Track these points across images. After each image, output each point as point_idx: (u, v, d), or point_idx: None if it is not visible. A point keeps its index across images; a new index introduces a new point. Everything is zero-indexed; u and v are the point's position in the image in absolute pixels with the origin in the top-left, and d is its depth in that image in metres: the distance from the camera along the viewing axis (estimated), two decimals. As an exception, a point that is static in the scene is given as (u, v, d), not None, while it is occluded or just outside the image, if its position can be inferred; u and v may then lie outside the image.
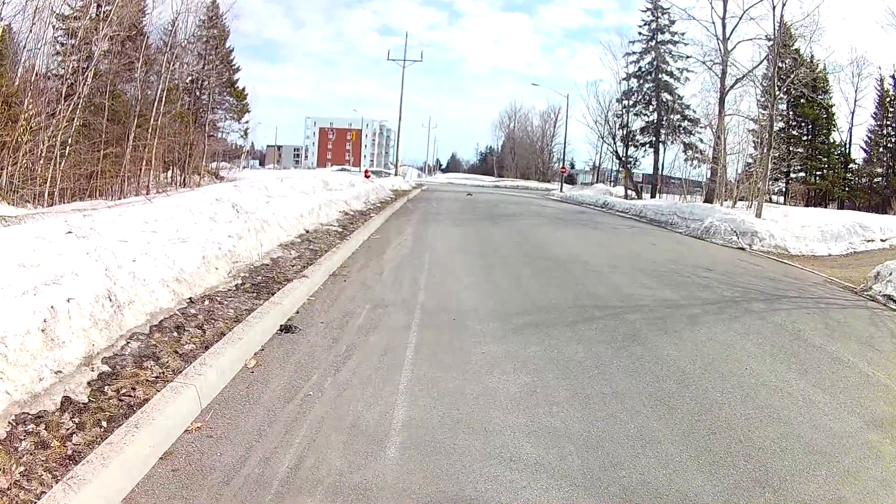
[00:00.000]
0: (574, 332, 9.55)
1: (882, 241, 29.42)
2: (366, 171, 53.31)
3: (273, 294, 9.50)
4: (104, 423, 5.16)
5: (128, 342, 6.68)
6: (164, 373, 6.16)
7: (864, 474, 5.86)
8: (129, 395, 5.63)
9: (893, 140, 63.55)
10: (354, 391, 6.66)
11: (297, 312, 9.46)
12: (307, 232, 15.54)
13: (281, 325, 8.62)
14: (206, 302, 8.62)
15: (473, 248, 18.00)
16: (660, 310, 11.68)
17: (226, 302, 8.81)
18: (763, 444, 6.25)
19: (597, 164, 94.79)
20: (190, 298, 8.56)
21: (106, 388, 5.72)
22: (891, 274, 16.14)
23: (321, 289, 11.15)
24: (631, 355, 8.69)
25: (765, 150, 36.89)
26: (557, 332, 9.51)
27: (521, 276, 13.90)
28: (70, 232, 7.55)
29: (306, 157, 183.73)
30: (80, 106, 25.11)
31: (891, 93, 63.37)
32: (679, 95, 67.24)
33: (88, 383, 5.74)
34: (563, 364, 8.06)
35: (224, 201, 12.45)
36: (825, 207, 55.66)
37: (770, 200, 41.97)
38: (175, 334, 7.22)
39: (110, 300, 6.89)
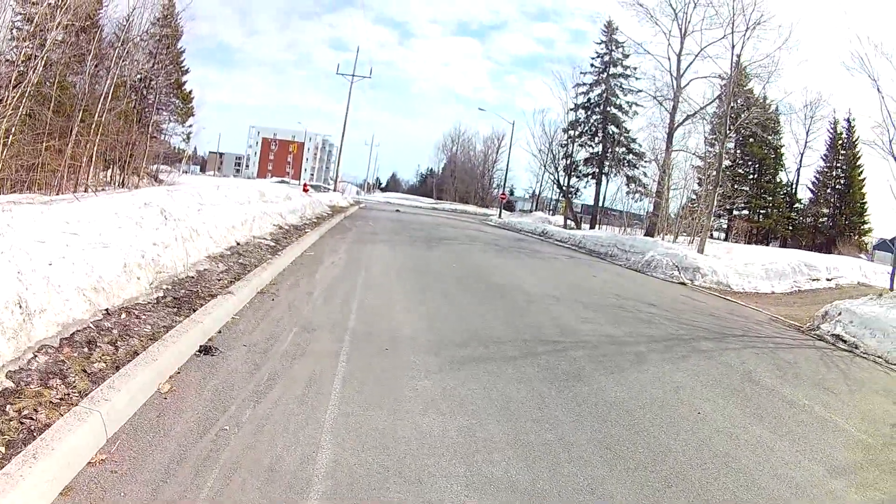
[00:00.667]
0: (515, 370, 9.09)
1: (828, 279, 30.33)
2: (304, 185, 52.57)
3: (195, 311, 8.84)
4: (2, 449, 4.59)
5: (35, 355, 6.03)
6: (69, 394, 5.54)
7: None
8: (31, 418, 5.02)
9: (842, 182, 67.11)
10: (275, 427, 6.05)
11: (220, 332, 8.81)
12: (238, 244, 14.84)
13: (200, 346, 7.98)
14: (123, 315, 7.93)
15: (410, 272, 17.45)
16: (604, 346, 11.36)
17: (143, 316, 8.12)
18: (723, 497, 5.98)
19: (536, 193, 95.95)
20: (107, 310, 7.86)
21: (7, 407, 5.12)
22: (840, 314, 16.56)
23: (247, 307, 10.50)
24: (576, 397, 8.28)
25: (711, 187, 37.40)
26: (497, 368, 9.05)
27: (461, 304, 13.40)
28: (-18, 229, 6.92)
29: (247, 166, 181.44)
30: (27, 94, 24.30)
31: (843, 136, 66.97)
32: (626, 129, 69.06)
33: (-10, 400, 5.13)
34: (503, 405, 7.60)
35: (153, 206, 11.69)
36: (767, 245, 58.61)
37: (711, 236, 42.21)
38: (86, 350, 6.56)
39: (20, 307, 6.22)
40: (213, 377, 7.13)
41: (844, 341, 15.39)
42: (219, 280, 11.09)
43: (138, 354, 6.77)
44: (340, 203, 46.24)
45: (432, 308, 12.60)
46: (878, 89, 23.27)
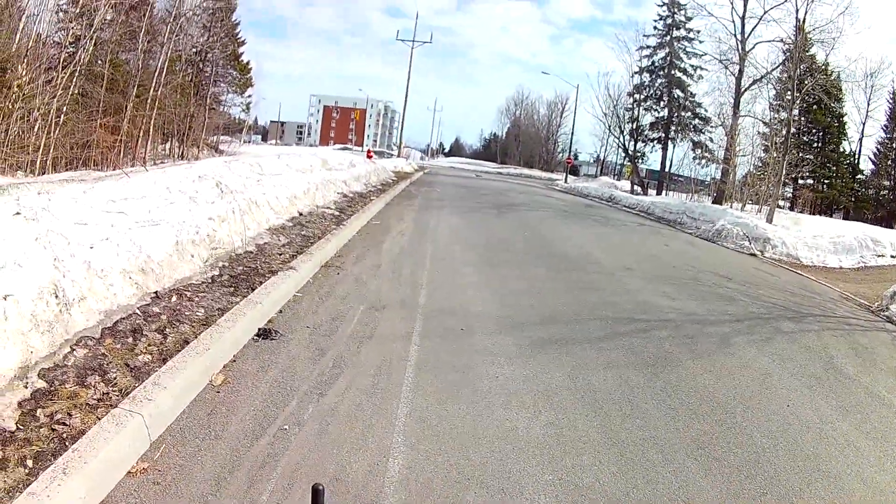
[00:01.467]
0: (600, 353, 8.32)
1: (892, 256, 28.63)
2: (368, 152, 51.68)
3: (253, 290, 8.22)
4: (29, 463, 4.00)
5: (73, 349, 5.41)
6: (108, 393, 4.92)
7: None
8: (64, 424, 4.43)
9: None
10: (340, 427, 5.36)
11: (281, 312, 8.20)
12: (301, 215, 14.26)
13: (259, 329, 7.35)
14: (174, 298, 7.35)
15: (479, 241, 16.69)
16: (687, 326, 10.52)
17: (197, 298, 7.54)
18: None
19: (601, 157, 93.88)
20: (156, 293, 7.29)
21: (38, 411, 4.54)
22: None
23: (310, 283, 9.86)
24: (666, 386, 7.52)
25: (778, 155, 35.88)
26: (581, 351, 8.27)
27: (533, 277, 12.63)
28: (18, 213, 6.22)
29: (309, 134, 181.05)
30: (77, 73, 24.00)
31: None
32: (691, 93, 66.23)
33: (19, 404, 4.57)
34: (591, 396, 6.85)
35: (208, 178, 11.05)
36: (830, 216, 55.79)
37: (777, 206, 40.95)
38: (130, 340, 5.94)
39: (56, 296, 5.62)
40: (272, 366, 6.49)
41: None
42: (280, 254, 10.48)
43: (188, 343, 6.15)
44: (405, 169, 45.70)
45: (506, 283, 11.83)
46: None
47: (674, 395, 7.28)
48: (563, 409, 6.39)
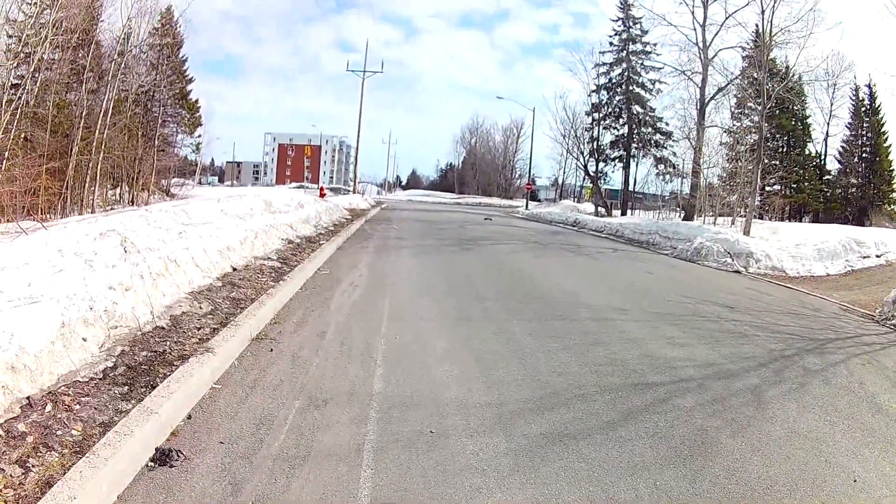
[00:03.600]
0: (621, 449, 6.38)
1: (877, 256, 28.22)
2: (321, 189, 50.10)
3: (154, 387, 6.19)
4: None
5: None
6: None
7: None
8: None
9: (868, 150, 65.31)
10: None
11: (189, 418, 6.21)
12: (234, 270, 12.28)
13: (156, 450, 5.39)
14: (49, 407, 5.43)
15: (444, 289, 14.76)
16: (711, 385, 8.81)
17: (78, 406, 5.57)
18: None
19: (560, 180, 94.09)
20: (28, 398, 5.44)
21: None
22: None
23: (234, 367, 7.82)
24: (714, 485, 5.77)
25: (748, 164, 35.96)
26: (596, 451, 6.31)
27: (514, 335, 10.65)
28: None
29: (265, 173, 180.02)
30: (20, 115, 22.80)
31: (866, 102, 64.98)
32: (651, 108, 66.50)
33: None
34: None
35: (112, 235, 8.97)
36: (800, 220, 57.49)
37: (742, 214, 40.48)
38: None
39: None
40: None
41: None
42: (198, 329, 8.42)
43: (52, 487, 4.29)
44: (360, 205, 44.32)
45: (482, 347, 9.77)
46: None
47: (727, 498, 5.57)
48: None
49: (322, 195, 41.33)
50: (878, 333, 13.80)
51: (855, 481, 6.17)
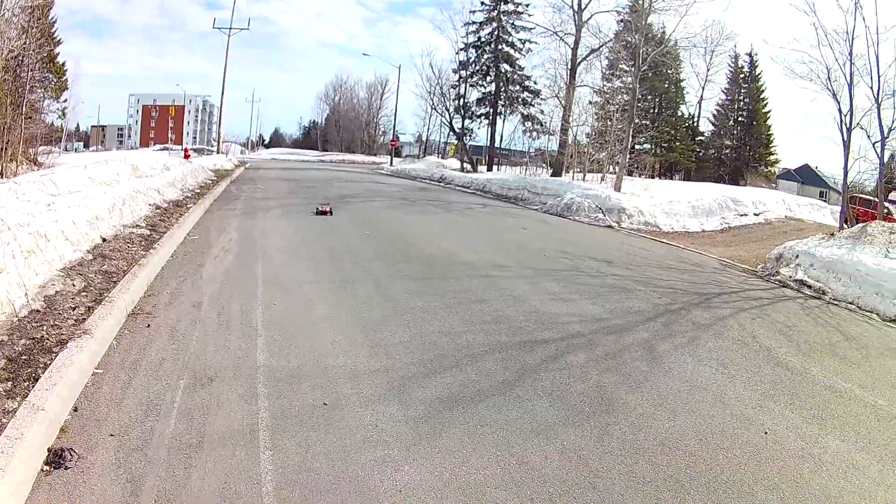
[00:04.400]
0: (521, 409, 6.20)
1: (755, 214, 29.79)
2: (185, 150, 48.43)
3: (37, 379, 5.45)
4: None
5: None
6: None
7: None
8: None
9: (745, 114, 70.80)
10: None
11: (76, 410, 5.52)
12: (104, 241, 11.23)
13: (48, 452, 4.73)
14: None
15: (319, 251, 14.02)
16: (601, 339, 8.81)
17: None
18: None
19: (424, 137, 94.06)
20: None
21: None
22: (797, 257, 16.24)
23: (114, 348, 7.06)
24: (622, 442, 5.73)
25: (620, 123, 36.52)
26: (493, 411, 6.11)
27: (396, 296, 10.24)
28: None
29: (129, 136, 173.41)
30: None
31: (745, 70, 70.66)
32: (520, 66, 66.64)
33: None
34: (540, 487, 4.85)
35: None
36: (671, 179, 61.25)
37: (613, 172, 40.93)
38: None
39: None
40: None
41: (809, 286, 14.93)
42: (73, 308, 7.60)
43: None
44: (225, 166, 42.84)
45: (365, 310, 9.31)
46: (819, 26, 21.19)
47: (639, 458, 5.49)
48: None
49: (187, 156, 39.90)
50: (763, 288, 14.35)
51: (766, 433, 6.29)
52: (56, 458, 4.69)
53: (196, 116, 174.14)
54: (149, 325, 7.91)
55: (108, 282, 8.94)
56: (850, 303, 13.51)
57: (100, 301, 7.97)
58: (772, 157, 72.07)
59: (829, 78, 20.89)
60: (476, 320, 9.18)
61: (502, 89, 66.01)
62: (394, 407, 6.02)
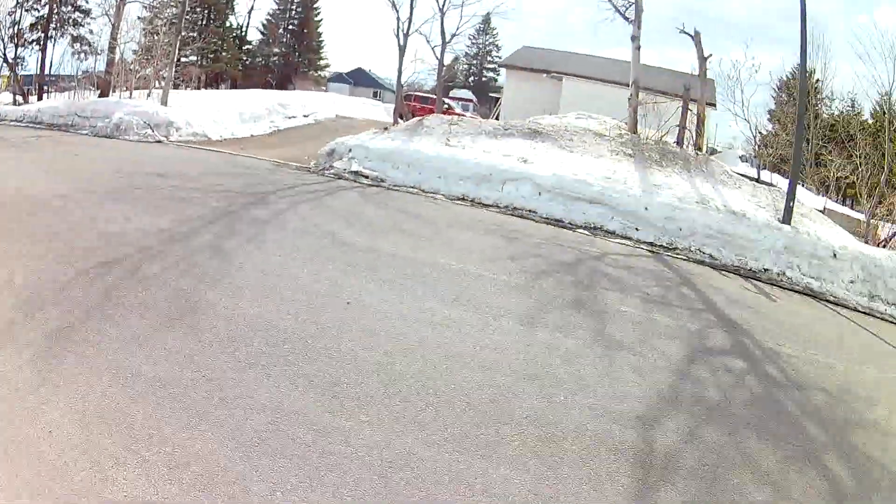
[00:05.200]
0: (115, 325, 6.49)
1: (305, 116, 31.44)
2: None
3: None
4: None
5: None
6: None
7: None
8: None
9: (297, 23, 73.27)
10: None
11: None
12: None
13: None
14: None
15: None
16: (170, 248, 9.28)
17: None
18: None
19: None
20: None
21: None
22: (351, 151, 17.36)
23: None
24: (217, 336, 6.42)
25: (167, 38, 35.92)
26: (92, 332, 6.28)
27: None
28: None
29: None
30: None
31: None
32: None
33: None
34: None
35: None
36: (218, 88, 60.41)
37: (158, 87, 40.36)
38: None
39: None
40: None
41: (366, 177, 16.09)
42: None
43: None
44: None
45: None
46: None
47: (241, 345, 6.22)
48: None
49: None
50: (318, 182, 15.38)
51: (349, 303, 7.30)
52: None
53: None
54: None
55: None
56: (412, 187, 14.82)
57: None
58: (322, 62, 75.19)
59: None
60: (48, 255, 8.61)
61: (55, 11, 62.71)
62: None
